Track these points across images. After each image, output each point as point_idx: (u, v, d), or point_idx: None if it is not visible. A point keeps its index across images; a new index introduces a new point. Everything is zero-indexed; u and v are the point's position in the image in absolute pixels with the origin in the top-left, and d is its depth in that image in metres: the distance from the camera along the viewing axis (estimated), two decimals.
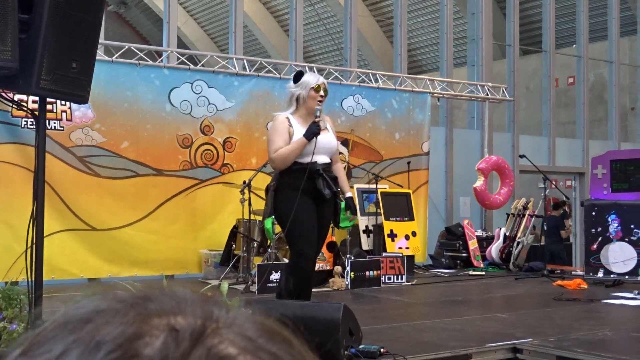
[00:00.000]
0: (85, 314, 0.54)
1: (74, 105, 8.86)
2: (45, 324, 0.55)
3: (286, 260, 8.46)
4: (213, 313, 0.55)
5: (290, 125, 5.46)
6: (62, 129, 8.98)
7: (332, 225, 9.41)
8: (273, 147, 5.36)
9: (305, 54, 15.54)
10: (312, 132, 5.37)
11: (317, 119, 5.47)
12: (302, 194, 5.30)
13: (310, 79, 5.53)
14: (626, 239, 8.85)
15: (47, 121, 8.57)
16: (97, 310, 0.55)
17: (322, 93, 5.53)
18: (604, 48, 16.56)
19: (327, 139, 5.54)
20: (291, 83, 5.59)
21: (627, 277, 8.82)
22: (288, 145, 5.36)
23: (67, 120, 9.02)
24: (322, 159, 5.47)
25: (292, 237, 5.45)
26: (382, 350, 4.79)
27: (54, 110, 8.85)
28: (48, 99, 4.13)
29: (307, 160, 5.37)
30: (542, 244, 11.37)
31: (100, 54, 9.31)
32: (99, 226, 9.11)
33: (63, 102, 8.60)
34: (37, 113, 3.92)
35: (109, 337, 0.51)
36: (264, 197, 9.53)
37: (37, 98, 4.05)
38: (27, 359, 0.52)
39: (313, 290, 8.28)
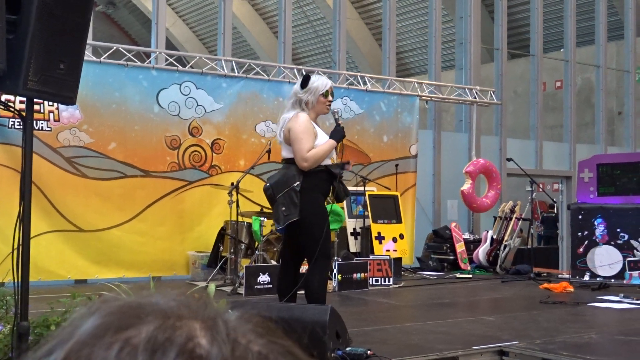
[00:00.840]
0: (116, 321, 0.54)
1: (61, 106, 8.83)
2: (73, 332, 0.55)
3: (274, 263, 8.47)
4: (221, 316, 0.57)
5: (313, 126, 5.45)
6: (49, 129, 8.95)
7: None
8: (305, 146, 5.27)
9: (294, 56, 15.53)
10: (342, 135, 5.46)
11: (341, 122, 5.54)
12: (323, 196, 5.39)
13: (319, 84, 5.46)
14: (612, 243, 8.89)
15: (34, 122, 8.55)
16: (126, 316, 0.55)
17: (330, 98, 5.54)
18: (592, 52, 16.66)
19: None
20: (298, 87, 5.47)
21: (613, 280, 8.86)
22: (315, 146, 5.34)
23: (54, 120, 8.99)
24: (327, 160, 5.52)
25: (319, 239, 5.35)
26: (369, 352, 4.79)
27: (42, 111, 8.82)
28: (36, 100, 4.11)
29: (326, 162, 5.43)
30: (529, 246, 11.41)
31: (88, 55, 9.29)
32: (86, 227, 9.08)
33: (50, 103, 8.57)
34: (24, 114, 3.90)
35: (164, 340, 0.52)
36: (250, 198, 9.56)
37: (24, 98, 4.03)
38: None
39: (300, 292, 8.33)
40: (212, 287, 4.81)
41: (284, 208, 5.27)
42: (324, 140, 5.42)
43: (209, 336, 0.53)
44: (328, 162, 5.46)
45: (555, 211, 14.85)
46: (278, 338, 0.57)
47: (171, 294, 0.59)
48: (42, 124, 8.87)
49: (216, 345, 0.53)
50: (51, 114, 8.95)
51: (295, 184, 5.30)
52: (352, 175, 10.96)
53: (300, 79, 5.54)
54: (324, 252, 5.41)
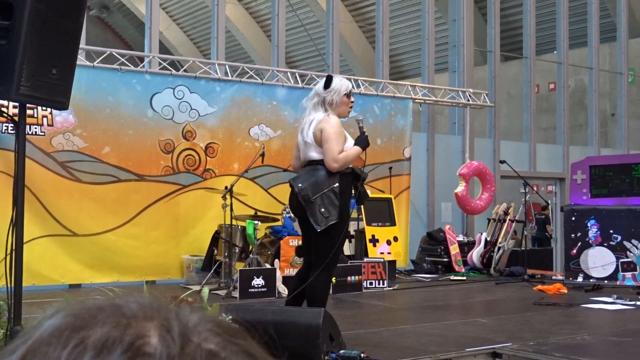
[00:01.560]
0: (74, 322, 0.57)
1: (55, 111, 8.82)
2: (34, 332, 0.57)
3: (268, 266, 8.48)
4: (179, 317, 0.58)
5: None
6: (43, 134, 8.94)
7: None
8: (337, 147, 5.24)
9: (287, 59, 15.56)
10: (367, 144, 5.48)
11: (365, 131, 5.57)
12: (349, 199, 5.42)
13: (342, 84, 5.46)
14: (605, 244, 8.93)
15: (28, 126, 8.53)
16: (84, 317, 0.57)
17: (352, 98, 5.56)
18: (584, 54, 16.71)
19: None
20: (321, 88, 5.41)
21: (606, 281, 8.90)
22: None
23: (48, 125, 8.99)
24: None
25: (335, 245, 5.31)
26: (362, 355, 4.81)
27: (35, 116, 8.82)
28: (29, 105, 4.12)
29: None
30: (522, 248, 11.44)
31: (81, 59, 9.30)
32: (80, 232, 9.08)
33: (44, 108, 8.58)
34: (17, 119, 3.91)
35: (114, 339, 0.54)
36: (244, 202, 9.57)
37: (16, 104, 4.04)
38: None
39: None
40: (205, 290, 4.82)
41: (323, 209, 5.19)
42: (351, 145, 5.41)
43: (160, 335, 0.55)
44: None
45: (548, 213, 15.03)
46: (236, 338, 0.58)
47: (135, 297, 0.61)
48: (35, 128, 8.87)
49: (165, 343, 0.54)
50: (45, 119, 8.95)
51: (334, 185, 5.25)
52: None
53: (322, 80, 5.50)
54: (335, 260, 5.39)
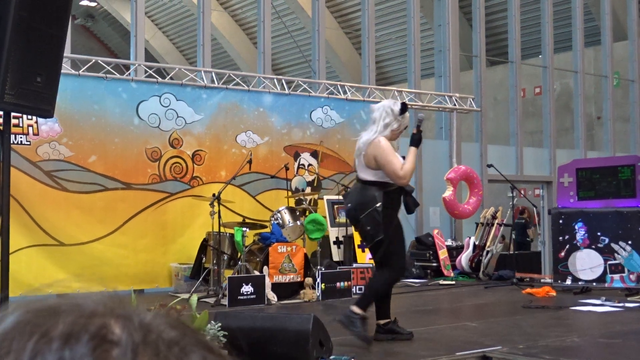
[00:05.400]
0: (35, 318, 0.57)
1: (40, 120, 8.79)
2: None
3: (257, 273, 8.46)
4: (137, 313, 0.60)
5: None
6: (28, 143, 8.90)
7: (303, 236, 9.47)
8: (397, 166, 5.63)
9: (273, 66, 15.57)
10: (419, 140, 5.91)
11: (422, 130, 5.99)
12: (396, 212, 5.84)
13: (407, 118, 5.93)
14: (593, 246, 8.95)
15: (13, 136, 8.50)
16: (45, 314, 0.58)
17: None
18: (570, 58, 16.79)
19: None
20: (397, 111, 5.79)
21: (594, 283, 8.92)
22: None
23: (33, 134, 8.94)
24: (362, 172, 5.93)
25: (397, 253, 5.81)
26: None
27: (20, 125, 8.77)
28: (14, 114, 4.10)
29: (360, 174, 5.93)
30: (511, 252, 11.46)
31: (67, 68, 9.26)
32: (68, 241, 9.02)
33: (29, 117, 8.54)
34: (1, 127, 3.88)
35: (79, 329, 0.56)
36: (232, 209, 9.54)
37: (1, 112, 4.01)
38: None
39: (284, 302, 8.33)
40: (194, 298, 4.80)
41: (369, 227, 5.66)
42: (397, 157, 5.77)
43: (122, 325, 0.57)
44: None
45: (526, 216, 15.15)
46: (192, 331, 0.60)
47: (94, 295, 0.62)
48: (21, 138, 8.82)
49: (128, 331, 0.56)
50: (30, 128, 8.91)
51: (377, 205, 5.64)
52: (333, 184, 10.99)
53: (397, 103, 5.88)
54: (397, 264, 5.81)
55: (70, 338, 0.54)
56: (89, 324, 0.56)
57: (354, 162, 6.11)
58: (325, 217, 10.09)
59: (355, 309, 5.64)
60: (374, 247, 5.82)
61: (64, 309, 0.58)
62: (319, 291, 8.61)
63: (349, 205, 5.87)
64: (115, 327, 0.56)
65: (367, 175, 5.77)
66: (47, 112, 4.00)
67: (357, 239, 10.29)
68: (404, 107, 5.83)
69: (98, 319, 0.57)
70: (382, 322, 5.85)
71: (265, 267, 8.63)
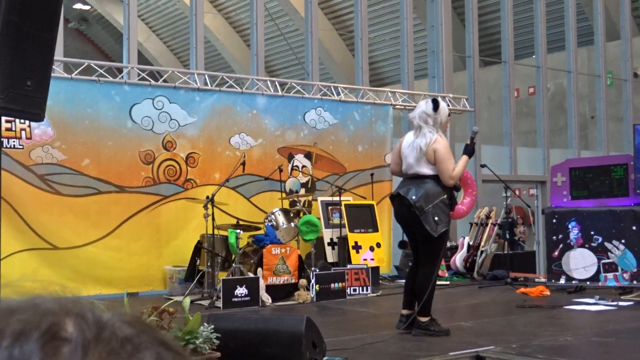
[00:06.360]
0: None
1: (33, 124, 8.77)
2: None
3: (251, 275, 8.46)
4: (93, 311, 0.61)
5: None
6: (21, 147, 8.88)
7: (297, 238, 9.48)
8: (451, 166, 6.01)
9: (267, 68, 15.58)
10: (473, 152, 6.39)
11: (475, 142, 6.52)
12: None
13: (445, 108, 6.20)
14: (586, 246, 8.97)
15: (6, 140, 8.50)
16: (0, 313, 0.58)
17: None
18: (563, 58, 16.83)
19: None
20: (430, 110, 6.07)
21: (588, 283, 8.94)
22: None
23: (26, 138, 8.92)
24: None
25: (443, 249, 6.29)
26: None
27: (13, 129, 8.76)
28: (6, 118, 4.09)
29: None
30: (505, 252, 11.47)
31: (59, 71, 9.26)
32: (62, 245, 9.01)
33: (22, 121, 8.52)
34: None
35: (31, 326, 0.56)
36: (226, 211, 9.54)
37: None
38: None
39: (278, 304, 8.33)
40: (186, 301, 4.78)
41: (436, 218, 5.93)
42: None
43: (75, 323, 0.57)
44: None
45: (513, 216, 15.28)
46: (149, 329, 0.61)
47: (52, 295, 0.63)
48: (14, 142, 8.80)
49: (80, 329, 0.57)
50: (23, 132, 8.89)
51: (444, 197, 6.00)
52: (327, 186, 10.99)
53: (428, 103, 6.16)
54: (440, 258, 6.28)
55: (21, 335, 0.55)
56: (42, 322, 0.57)
57: (396, 157, 6.36)
58: (319, 218, 10.09)
59: (423, 318, 6.03)
60: (428, 240, 5.99)
61: (20, 308, 0.59)
62: (314, 293, 8.61)
63: (414, 197, 5.97)
64: (67, 324, 0.57)
65: (430, 170, 6.02)
66: (37, 115, 4.00)
67: (352, 240, 10.27)
68: (434, 103, 6.11)
69: (51, 317, 0.58)
70: (423, 319, 6.10)
71: (259, 269, 8.63)
